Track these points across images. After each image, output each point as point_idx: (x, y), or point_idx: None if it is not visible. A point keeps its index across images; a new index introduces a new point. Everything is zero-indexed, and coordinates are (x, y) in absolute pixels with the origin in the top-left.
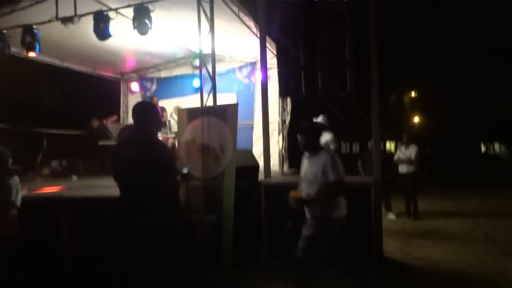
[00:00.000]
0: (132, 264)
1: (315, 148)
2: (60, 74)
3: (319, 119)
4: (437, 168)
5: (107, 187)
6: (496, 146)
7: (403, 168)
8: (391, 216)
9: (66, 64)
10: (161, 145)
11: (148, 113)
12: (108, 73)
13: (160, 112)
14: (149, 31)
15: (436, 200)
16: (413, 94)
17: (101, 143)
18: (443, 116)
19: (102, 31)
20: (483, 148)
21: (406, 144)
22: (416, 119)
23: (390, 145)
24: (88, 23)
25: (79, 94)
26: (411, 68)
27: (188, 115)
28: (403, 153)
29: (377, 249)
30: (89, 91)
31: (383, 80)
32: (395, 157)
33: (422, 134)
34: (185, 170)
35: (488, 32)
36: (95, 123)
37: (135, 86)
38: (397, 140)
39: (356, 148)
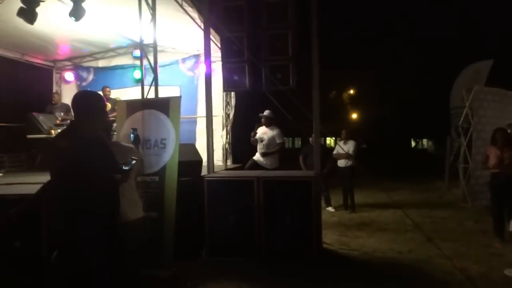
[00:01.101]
0: (61, 266)
1: None
2: None
3: (265, 113)
4: (372, 162)
5: (36, 184)
6: (425, 141)
7: (341, 162)
8: (330, 208)
9: None
10: (99, 139)
11: (88, 103)
12: (38, 60)
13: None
14: (83, 16)
15: (372, 192)
16: (351, 91)
17: (30, 136)
18: (378, 112)
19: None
20: (413, 143)
21: (344, 140)
22: (354, 115)
23: (330, 140)
24: (14, 4)
25: (4, 82)
26: (350, 64)
27: (128, 108)
28: (341, 148)
29: (316, 241)
30: (16, 79)
31: (324, 76)
32: (334, 152)
33: (359, 130)
34: (127, 166)
35: (423, 29)
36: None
37: (69, 75)
38: (337, 135)
39: (298, 143)
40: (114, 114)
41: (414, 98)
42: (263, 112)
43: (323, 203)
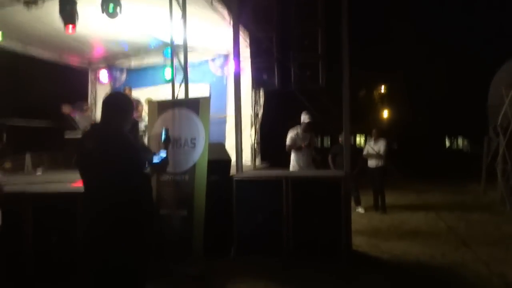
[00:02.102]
0: (96, 262)
1: None
2: (23, 61)
3: (307, 119)
4: (404, 162)
5: (73, 181)
6: (460, 140)
7: (372, 162)
8: (360, 209)
9: (29, 51)
10: (125, 139)
11: (117, 104)
12: (75, 62)
13: (134, 105)
14: (118, 15)
15: (403, 193)
16: (382, 89)
17: (67, 135)
18: (410, 111)
19: (68, 14)
20: (447, 143)
21: (375, 139)
22: (385, 114)
23: (360, 139)
24: (53, 6)
25: (43, 83)
26: (381, 62)
27: (159, 108)
28: (372, 147)
29: (345, 243)
30: (54, 80)
31: (354, 75)
32: (365, 152)
33: (390, 129)
34: (163, 153)
35: (454, 29)
36: (66, 110)
37: (104, 75)
38: (367, 134)
39: (327, 142)
40: (137, 114)
41: (449, 95)
42: (297, 114)
43: (353, 204)
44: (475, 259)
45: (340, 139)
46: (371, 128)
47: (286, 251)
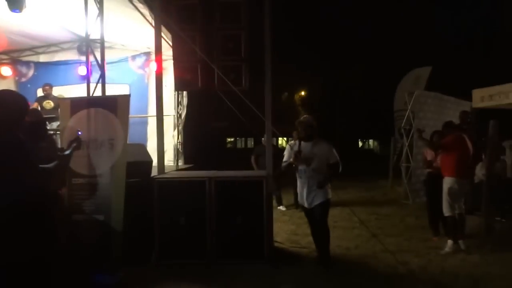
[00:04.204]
0: None
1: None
2: None
3: (306, 119)
4: None
5: None
6: (371, 142)
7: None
8: (282, 207)
9: None
10: (13, 140)
11: (5, 104)
12: None
13: (24, 104)
14: (24, 8)
15: None
16: (302, 93)
17: None
18: (327, 114)
19: None
20: (360, 144)
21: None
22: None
23: (282, 141)
24: None
25: None
26: (302, 67)
27: (72, 106)
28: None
29: (268, 240)
30: None
31: (276, 78)
32: (285, 152)
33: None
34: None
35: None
36: None
37: (6, 70)
38: (289, 136)
39: (250, 143)
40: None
41: (361, 100)
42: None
43: (274, 203)
44: (384, 250)
45: (263, 140)
46: (292, 130)
47: (210, 252)
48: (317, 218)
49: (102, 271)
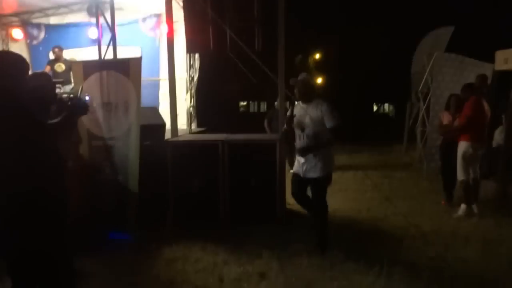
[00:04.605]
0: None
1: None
2: None
3: (301, 77)
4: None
5: None
6: (386, 106)
7: None
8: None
9: None
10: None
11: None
12: None
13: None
14: None
15: (335, 155)
16: (317, 55)
17: None
18: (342, 77)
19: None
20: (375, 108)
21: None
22: (319, 80)
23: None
24: None
25: None
26: (316, 29)
27: (85, 69)
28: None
29: (280, 202)
30: None
31: (290, 40)
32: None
33: (324, 94)
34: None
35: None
36: None
37: (17, 32)
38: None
39: (263, 107)
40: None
41: (377, 63)
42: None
43: (287, 166)
44: (396, 213)
45: (276, 104)
46: None
47: (223, 214)
48: (312, 196)
49: (119, 230)
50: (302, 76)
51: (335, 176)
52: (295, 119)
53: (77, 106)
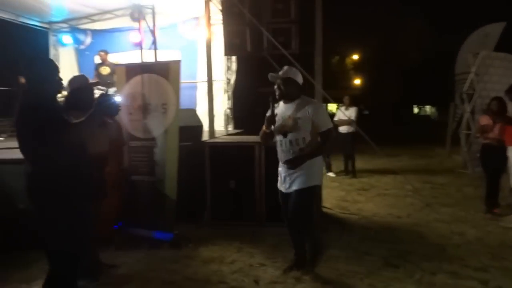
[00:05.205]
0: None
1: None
2: None
3: (283, 72)
4: (373, 128)
5: None
6: (427, 108)
7: (343, 128)
8: (331, 174)
9: None
10: (36, 104)
11: (32, 70)
12: (34, 22)
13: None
14: None
15: (372, 158)
16: (355, 56)
17: None
18: (381, 79)
19: None
20: (416, 110)
21: (347, 106)
22: (357, 81)
23: (332, 107)
24: None
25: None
26: (354, 29)
27: (127, 72)
28: (344, 114)
29: (316, 205)
30: (11, 41)
31: (327, 42)
32: (336, 118)
33: (361, 96)
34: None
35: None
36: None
37: (66, 38)
38: (339, 101)
39: None
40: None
41: (418, 64)
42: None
43: (324, 169)
44: (438, 219)
45: None
46: (343, 95)
47: (259, 214)
48: (290, 210)
49: (157, 229)
50: (284, 70)
51: (372, 180)
52: (276, 123)
53: (102, 106)
